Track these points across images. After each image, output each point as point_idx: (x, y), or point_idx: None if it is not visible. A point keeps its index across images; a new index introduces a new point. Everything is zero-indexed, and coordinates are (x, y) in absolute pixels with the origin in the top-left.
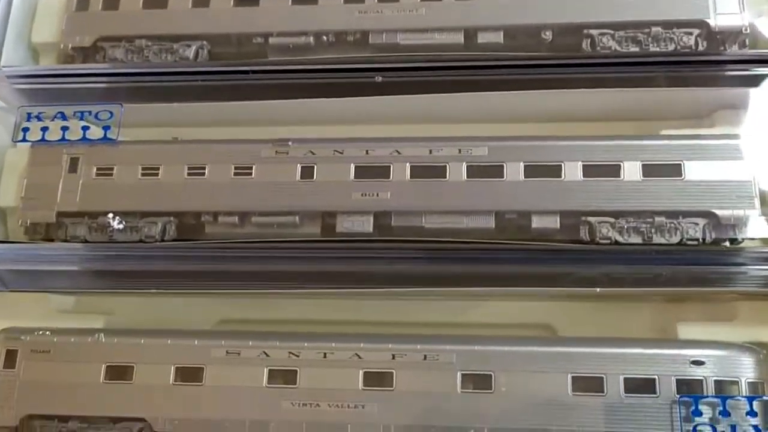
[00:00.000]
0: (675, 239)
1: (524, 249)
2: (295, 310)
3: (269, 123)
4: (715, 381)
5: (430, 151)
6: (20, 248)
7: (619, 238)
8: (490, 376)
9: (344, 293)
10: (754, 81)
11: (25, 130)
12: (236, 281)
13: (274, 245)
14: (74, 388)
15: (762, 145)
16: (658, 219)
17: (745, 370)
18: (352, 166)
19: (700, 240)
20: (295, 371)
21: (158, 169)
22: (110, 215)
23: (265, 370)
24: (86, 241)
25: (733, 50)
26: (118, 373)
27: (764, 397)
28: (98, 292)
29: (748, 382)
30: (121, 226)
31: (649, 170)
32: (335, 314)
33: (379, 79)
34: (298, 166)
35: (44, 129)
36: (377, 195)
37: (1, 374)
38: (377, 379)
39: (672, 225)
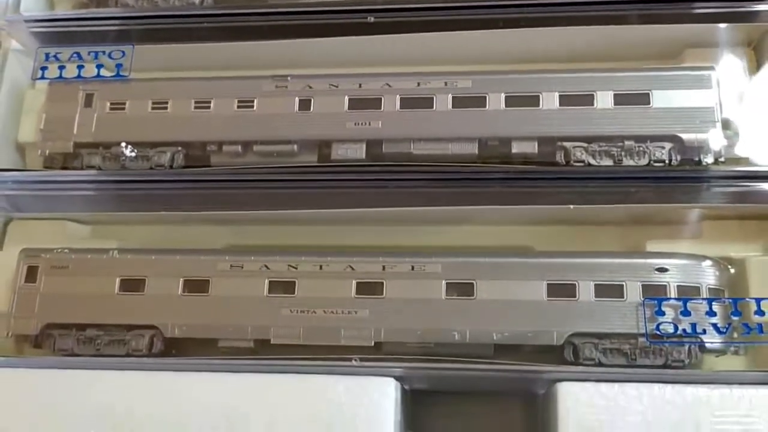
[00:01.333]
0: (643, 161)
1: (505, 171)
2: (293, 236)
3: (270, 66)
4: (678, 286)
5: (418, 84)
6: (39, 175)
7: (592, 161)
8: (472, 284)
9: (339, 214)
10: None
11: (44, 69)
12: (239, 205)
13: (274, 171)
14: (90, 299)
15: (724, 75)
16: (627, 143)
17: (707, 277)
18: (346, 98)
19: (667, 162)
20: (294, 282)
21: (167, 103)
22: (123, 144)
23: (266, 282)
24: (101, 170)
25: None
26: (131, 285)
27: (723, 300)
28: (112, 218)
29: (709, 288)
30: (133, 154)
31: (620, 99)
32: (330, 240)
33: (371, 19)
34: (296, 99)
35: (61, 68)
36: (369, 124)
37: (23, 288)
38: (368, 288)
39: (640, 148)
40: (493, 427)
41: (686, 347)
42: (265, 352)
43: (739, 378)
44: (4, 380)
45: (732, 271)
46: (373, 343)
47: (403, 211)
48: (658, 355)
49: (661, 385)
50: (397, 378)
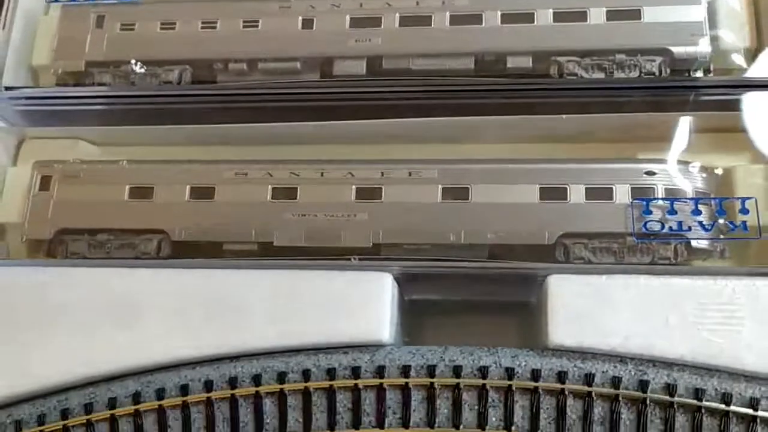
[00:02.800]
0: (634, 74)
1: (500, 84)
2: (296, 153)
3: None
4: (666, 188)
5: (417, 3)
6: (52, 91)
7: (585, 74)
8: (467, 188)
9: (340, 128)
10: None
11: None
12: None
13: (278, 86)
14: (101, 206)
15: None
16: (619, 57)
17: (694, 180)
18: (348, 17)
19: (657, 74)
20: (296, 188)
21: (175, 23)
22: (132, 62)
23: (269, 188)
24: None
25: None
26: (140, 193)
27: (709, 199)
28: (121, 138)
29: (696, 191)
30: (142, 71)
31: (612, 15)
32: (332, 156)
33: None
34: (300, 18)
35: None
36: (369, 41)
37: (37, 196)
38: (367, 193)
39: (631, 62)
40: (487, 336)
41: (672, 246)
42: (268, 255)
43: (722, 271)
44: (19, 278)
45: (718, 172)
46: (371, 245)
47: (402, 122)
48: (646, 253)
49: (647, 276)
50: (394, 278)
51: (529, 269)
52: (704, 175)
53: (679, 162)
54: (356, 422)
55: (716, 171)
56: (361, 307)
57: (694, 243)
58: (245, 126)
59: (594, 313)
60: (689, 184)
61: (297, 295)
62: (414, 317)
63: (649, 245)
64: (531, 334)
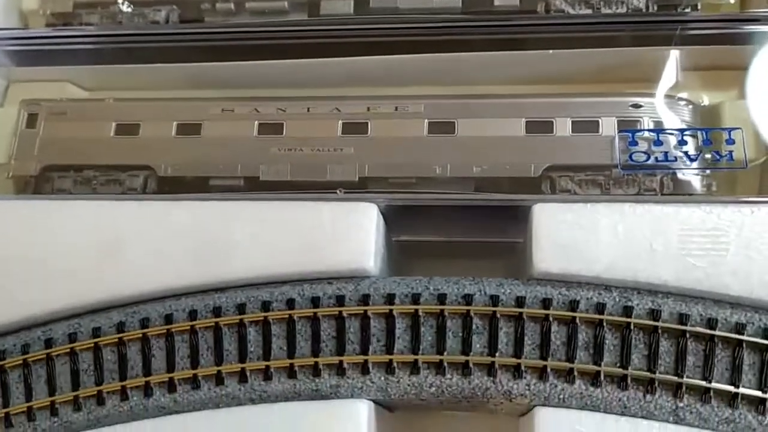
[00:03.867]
0: (621, 10)
1: (487, 21)
2: (284, 93)
3: None
4: (652, 121)
5: None
6: (41, 32)
7: (571, 10)
8: (454, 122)
9: (328, 69)
10: None
11: None
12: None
13: (265, 25)
14: (88, 143)
15: None
16: None
17: (681, 113)
18: None
19: (644, 10)
20: (282, 123)
21: None
22: (120, 2)
23: (256, 124)
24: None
25: None
26: (126, 129)
27: (696, 130)
28: (108, 82)
29: (683, 123)
30: (130, 11)
31: None
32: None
33: None
34: None
35: None
36: None
37: (23, 133)
38: (354, 128)
39: None
40: (476, 273)
41: (658, 177)
42: (254, 189)
43: (707, 199)
44: (5, 213)
45: (705, 103)
46: (357, 178)
47: (389, 59)
48: (631, 185)
49: (631, 204)
50: (380, 213)
51: (514, 200)
52: (691, 108)
53: (666, 96)
54: (340, 350)
55: (702, 102)
56: (346, 237)
57: (680, 175)
58: (232, 65)
59: (578, 240)
60: (676, 116)
61: (282, 226)
62: (402, 260)
63: (635, 177)
64: (518, 273)
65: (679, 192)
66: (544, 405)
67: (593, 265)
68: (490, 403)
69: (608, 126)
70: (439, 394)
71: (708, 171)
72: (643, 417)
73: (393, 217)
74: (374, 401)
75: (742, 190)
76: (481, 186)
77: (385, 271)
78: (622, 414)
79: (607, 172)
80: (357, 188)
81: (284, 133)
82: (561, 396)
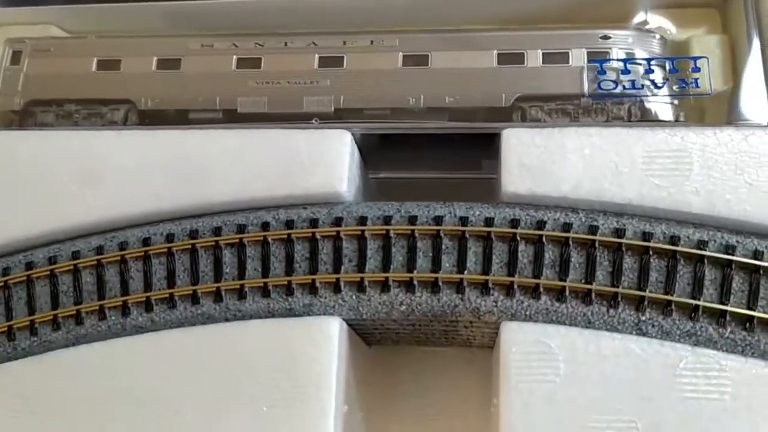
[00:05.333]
0: None
1: None
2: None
3: None
4: (621, 52)
5: None
6: None
7: None
8: (427, 55)
9: (307, 2)
10: None
11: None
12: None
13: None
14: (70, 78)
15: None
16: None
17: (650, 46)
18: None
19: None
20: (260, 58)
21: None
22: None
23: (234, 58)
24: None
25: None
26: (108, 64)
27: (664, 59)
28: (90, 25)
29: (652, 55)
30: None
31: None
32: None
33: None
34: None
35: None
36: None
37: (7, 70)
38: (330, 61)
39: None
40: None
41: (626, 105)
42: (232, 121)
43: (671, 124)
44: None
45: (673, 37)
46: (333, 109)
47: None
48: (600, 113)
49: (598, 128)
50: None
51: (484, 128)
52: (660, 40)
53: (636, 29)
54: (313, 271)
55: (669, 33)
56: (321, 163)
57: (647, 103)
58: (210, 3)
59: (546, 162)
60: (645, 48)
61: (258, 153)
62: (381, 199)
63: (604, 105)
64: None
65: (646, 118)
66: (512, 321)
67: (560, 185)
68: (461, 325)
69: (578, 57)
70: (409, 312)
71: (674, 98)
72: (607, 330)
73: (369, 153)
74: (350, 325)
75: (710, 120)
76: (455, 117)
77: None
78: (588, 328)
79: (576, 101)
80: (332, 119)
81: (262, 67)
82: (527, 312)
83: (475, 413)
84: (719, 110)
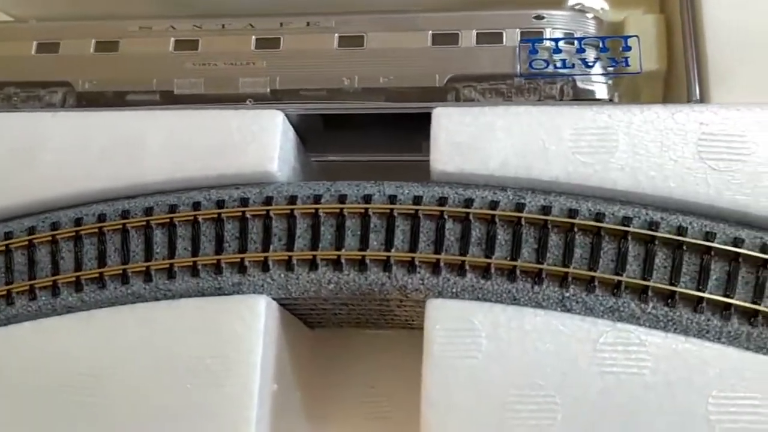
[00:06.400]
0: None
1: None
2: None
3: None
4: (554, 32)
5: None
6: None
7: None
8: (363, 36)
9: None
10: None
11: None
12: None
13: None
14: (8, 60)
15: None
16: None
17: (584, 26)
18: None
19: None
20: (197, 40)
21: None
22: None
23: (172, 40)
24: None
25: None
26: (47, 47)
27: (595, 38)
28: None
29: (588, 36)
30: None
31: None
32: None
33: None
34: None
35: None
36: None
37: None
38: (267, 43)
39: None
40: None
41: (558, 85)
42: (169, 103)
43: (600, 103)
44: None
45: (605, 15)
46: (268, 90)
47: None
48: (533, 93)
49: (526, 107)
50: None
51: (415, 108)
52: (596, 21)
53: (571, 9)
54: (242, 250)
55: (602, 12)
56: (252, 142)
57: (579, 83)
58: None
59: (475, 140)
60: (580, 28)
61: (191, 133)
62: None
63: (536, 85)
64: None
65: (579, 98)
66: (438, 298)
67: (488, 163)
68: (393, 304)
69: (511, 37)
70: (337, 291)
71: (604, 77)
72: (532, 307)
73: (312, 135)
74: (286, 307)
75: (646, 100)
76: (391, 98)
77: None
78: (513, 304)
79: (509, 81)
80: (269, 100)
81: (199, 49)
82: (453, 289)
83: (417, 395)
84: (655, 89)
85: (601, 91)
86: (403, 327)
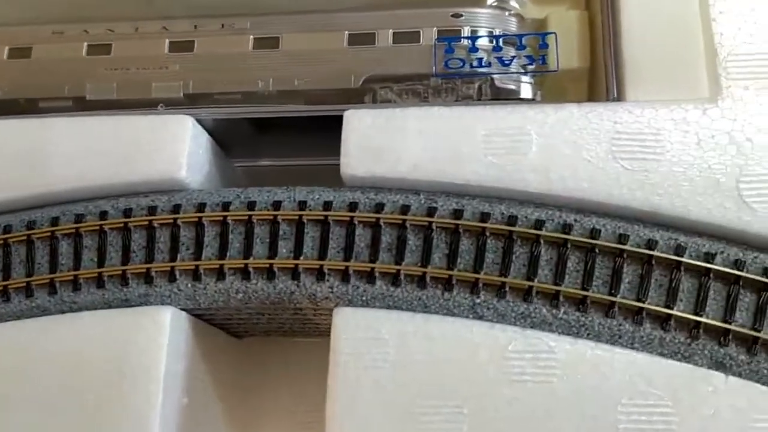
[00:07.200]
0: None
1: None
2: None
3: None
4: (473, 31)
5: None
6: None
7: None
8: (278, 38)
9: None
10: None
11: None
12: None
13: None
14: None
15: None
16: None
17: (505, 24)
18: None
19: None
20: (110, 44)
21: None
22: None
23: (85, 45)
24: None
25: None
26: None
27: (512, 36)
28: None
29: (505, 33)
30: None
31: None
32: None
33: None
34: None
35: None
36: None
37: None
38: (180, 46)
39: None
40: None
41: (476, 84)
42: (82, 109)
43: (514, 103)
44: None
45: (521, 13)
46: (182, 95)
47: None
48: (450, 93)
49: (439, 108)
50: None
51: (328, 110)
52: (516, 17)
53: (491, 6)
54: (150, 260)
55: (519, 8)
56: (161, 149)
57: (497, 82)
58: None
59: (386, 143)
60: (499, 25)
61: (99, 140)
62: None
63: (454, 85)
64: None
65: (499, 97)
66: (349, 306)
67: (398, 167)
68: (309, 313)
69: (429, 36)
70: (246, 300)
71: (526, 75)
72: (444, 314)
73: (235, 140)
74: (199, 316)
75: (571, 98)
76: (311, 101)
77: None
78: (424, 312)
79: (426, 81)
80: (182, 104)
81: (112, 53)
82: (363, 297)
83: None
84: (580, 88)
85: (524, 90)
86: (329, 335)
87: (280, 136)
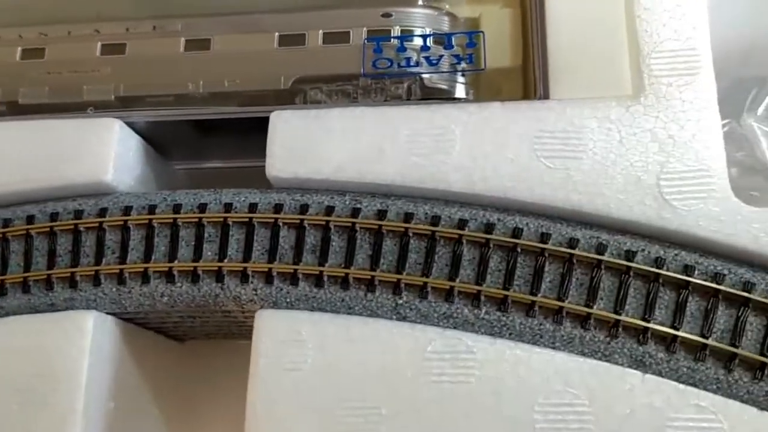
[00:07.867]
0: None
1: None
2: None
3: None
4: (403, 30)
5: None
6: None
7: None
8: (209, 39)
9: None
10: None
11: None
12: None
13: None
14: None
15: None
16: None
17: (436, 23)
18: None
19: None
20: (43, 48)
21: None
22: None
23: (18, 49)
24: None
25: None
26: None
27: (439, 35)
28: None
29: (434, 33)
30: None
31: None
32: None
33: None
34: None
35: None
36: None
37: None
38: (112, 49)
39: None
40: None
41: (405, 84)
42: (14, 114)
43: (437, 102)
44: None
45: (450, 11)
46: (113, 98)
47: None
48: (379, 93)
49: (363, 108)
50: (139, 134)
51: (254, 112)
52: (448, 16)
53: (422, 6)
54: (75, 263)
55: (444, 5)
56: (87, 153)
57: (427, 81)
58: None
59: (309, 144)
60: (430, 25)
61: (28, 144)
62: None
63: (383, 85)
64: None
65: (429, 97)
66: (273, 308)
67: (322, 168)
68: (240, 316)
69: (358, 36)
70: (172, 304)
71: (456, 74)
72: (367, 316)
73: (175, 142)
74: (131, 320)
75: (505, 98)
76: (243, 102)
77: None
78: (348, 314)
79: (355, 81)
80: (113, 107)
81: (45, 57)
82: (287, 299)
83: None
84: (514, 86)
85: (458, 90)
86: None
87: (219, 139)
